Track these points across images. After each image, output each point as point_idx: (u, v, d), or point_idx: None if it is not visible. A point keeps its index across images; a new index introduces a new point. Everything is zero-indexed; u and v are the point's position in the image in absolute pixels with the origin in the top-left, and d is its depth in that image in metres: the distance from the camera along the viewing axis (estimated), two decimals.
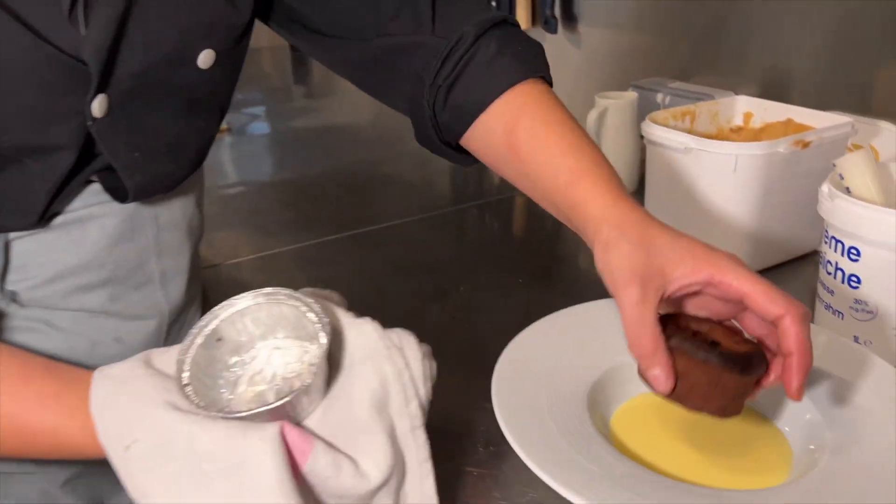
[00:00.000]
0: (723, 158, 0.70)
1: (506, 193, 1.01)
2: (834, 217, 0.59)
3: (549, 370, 0.52)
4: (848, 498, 0.41)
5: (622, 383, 0.53)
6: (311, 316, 0.40)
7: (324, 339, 0.39)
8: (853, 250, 0.58)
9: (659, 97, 1.03)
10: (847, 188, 0.60)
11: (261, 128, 1.51)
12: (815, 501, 0.41)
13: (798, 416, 0.49)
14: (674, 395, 0.44)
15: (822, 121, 0.76)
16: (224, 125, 1.17)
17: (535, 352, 0.54)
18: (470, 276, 0.77)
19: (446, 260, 0.81)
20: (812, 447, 0.47)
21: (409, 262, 0.84)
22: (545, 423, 0.47)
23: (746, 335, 0.46)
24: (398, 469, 0.39)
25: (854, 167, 0.60)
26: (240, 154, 1.32)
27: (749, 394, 0.45)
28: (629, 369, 0.54)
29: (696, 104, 0.85)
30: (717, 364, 0.43)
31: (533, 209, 0.97)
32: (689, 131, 0.79)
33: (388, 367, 0.39)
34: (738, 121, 0.86)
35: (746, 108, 0.85)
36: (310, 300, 0.41)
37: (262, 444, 0.35)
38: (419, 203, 0.99)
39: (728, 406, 0.45)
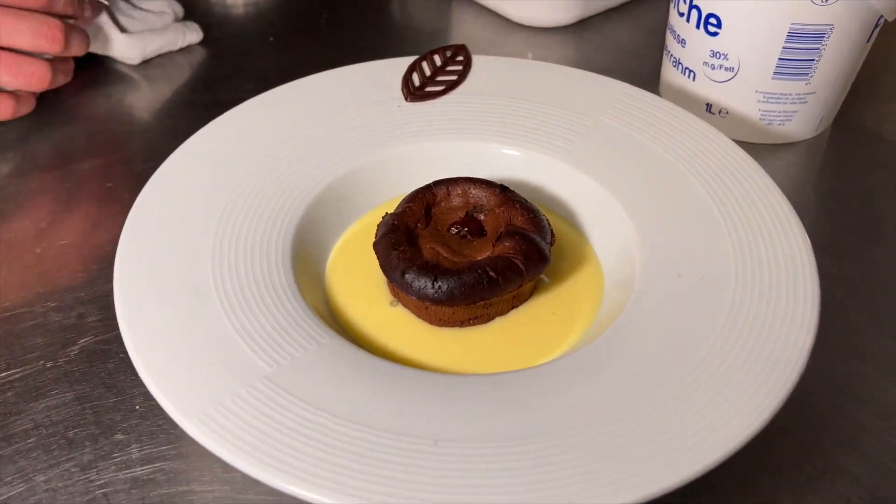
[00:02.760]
0: None
1: None
2: None
3: (215, 203, 0.33)
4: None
5: (347, 204, 0.35)
6: None
7: None
8: None
9: None
10: None
11: None
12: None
13: (614, 246, 0.33)
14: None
15: None
16: None
17: (193, 176, 0.34)
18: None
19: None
20: (625, 291, 0.31)
21: None
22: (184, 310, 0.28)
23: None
24: None
25: None
26: None
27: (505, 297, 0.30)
28: (357, 181, 0.35)
29: None
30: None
31: None
32: None
33: None
34: None
35: None
36: None
37: None
38: None
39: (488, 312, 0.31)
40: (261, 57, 0.51)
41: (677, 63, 0.44)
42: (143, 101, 0.47)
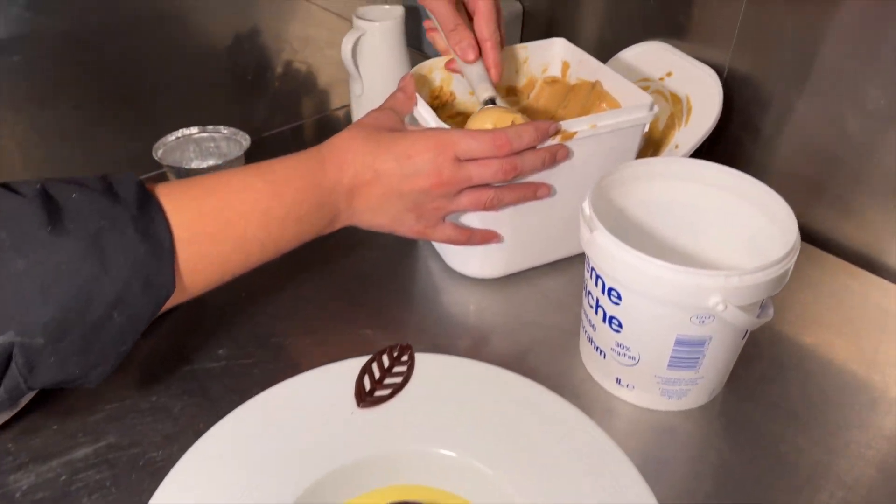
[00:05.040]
0: None
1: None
2: (592, 251, 0.47)
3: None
4: None
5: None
6: None
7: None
8: (614, 293, 0.47)
9: None
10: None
11: None
12: None
13: None
14: None
15: (626, 94, 0.61)
16: None
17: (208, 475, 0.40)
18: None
19: None
20: None
21: None
22: None
23: None
24: None
25: None
26: None
27: None
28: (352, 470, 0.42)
29: None
30: None
31: None
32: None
33: None
34: (556, 71, 0.69)
35: (564, 55, 0.68)
36: None
37: None
38: None
39: None
40: (231, 315, 0.58)
41: (591, 340, 0.52)
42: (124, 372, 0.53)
